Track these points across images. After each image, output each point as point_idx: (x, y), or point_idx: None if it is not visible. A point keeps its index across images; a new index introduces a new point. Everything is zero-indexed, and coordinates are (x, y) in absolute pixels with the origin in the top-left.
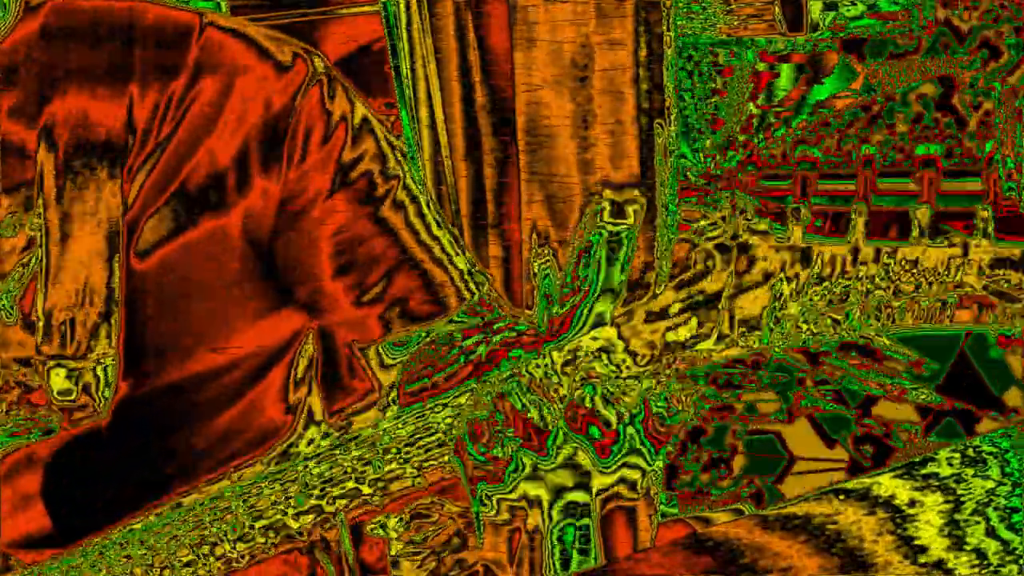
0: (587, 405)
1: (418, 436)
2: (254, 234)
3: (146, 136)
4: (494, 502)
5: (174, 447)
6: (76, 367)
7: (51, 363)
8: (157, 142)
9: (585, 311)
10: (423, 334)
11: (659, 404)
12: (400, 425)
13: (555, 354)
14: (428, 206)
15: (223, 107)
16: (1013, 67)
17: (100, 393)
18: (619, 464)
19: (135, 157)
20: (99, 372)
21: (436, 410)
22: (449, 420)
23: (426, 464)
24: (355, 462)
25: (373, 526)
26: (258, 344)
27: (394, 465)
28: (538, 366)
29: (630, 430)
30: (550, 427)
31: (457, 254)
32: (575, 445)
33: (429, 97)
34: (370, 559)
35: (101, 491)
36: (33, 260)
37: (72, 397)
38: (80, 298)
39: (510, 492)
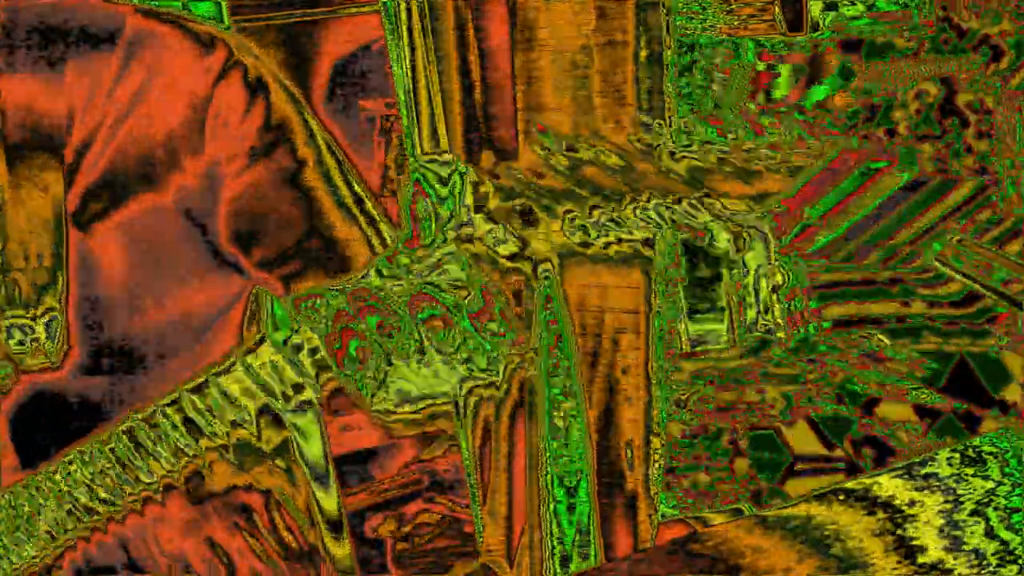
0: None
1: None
2: (187, 205)
3: (82, 122)
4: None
5: (129, 396)
6: (26, 322)
7: (5, 320)
8: (94, 126)
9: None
10: (334, 289)
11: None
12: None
13: (404, 259)
14: (347, 168)
15: (150, 92)
16: (1015, 69)
17: (48, 345)
18: (464, 358)
19: (74, 141)
20: (40, 327)
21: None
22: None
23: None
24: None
25: (374, 525)
26: (206, 300)
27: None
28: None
29: (465, 323)
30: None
31: (375, 211)
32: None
33: (429, 97)
34: (370, 559)
35: (64, 440)
36: None
37: (24, 348)
38: (28, 261)
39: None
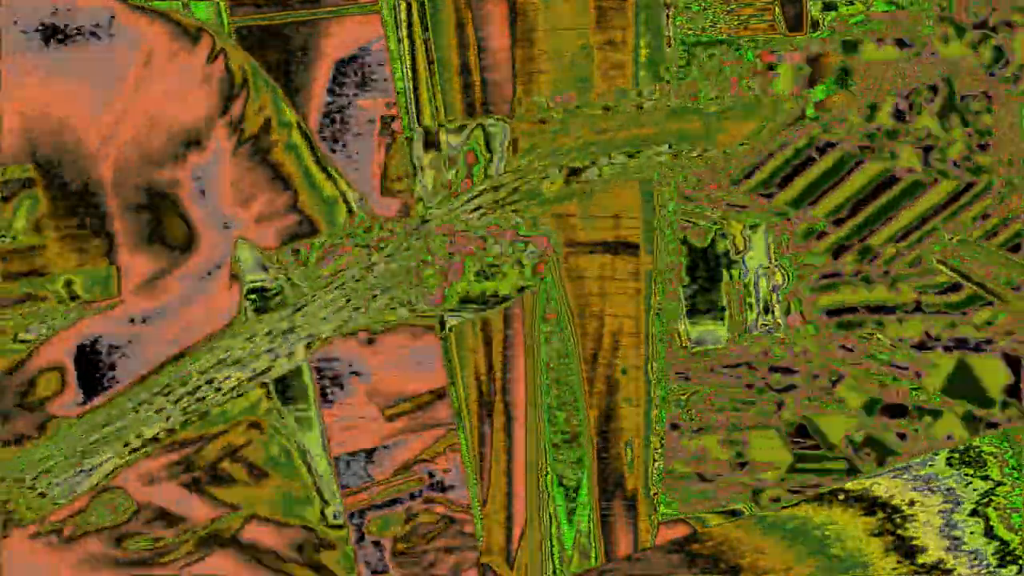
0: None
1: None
2: (198, 176)
3: (94, 115)
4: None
5: (158, 338)
6: (94, 277)
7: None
8: (104, 118)
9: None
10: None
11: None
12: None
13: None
14: (316, 145)
15: (146, 83)
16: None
17: (111, 289)
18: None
19: (88, 135)
20: (113, 278)
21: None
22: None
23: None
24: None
25: (373, 526)
26: (214, 249)
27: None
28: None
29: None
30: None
31: (340, 179)
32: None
33: (429, 97)
34: (370, 559)
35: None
36: None
37: (89, 296)
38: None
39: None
